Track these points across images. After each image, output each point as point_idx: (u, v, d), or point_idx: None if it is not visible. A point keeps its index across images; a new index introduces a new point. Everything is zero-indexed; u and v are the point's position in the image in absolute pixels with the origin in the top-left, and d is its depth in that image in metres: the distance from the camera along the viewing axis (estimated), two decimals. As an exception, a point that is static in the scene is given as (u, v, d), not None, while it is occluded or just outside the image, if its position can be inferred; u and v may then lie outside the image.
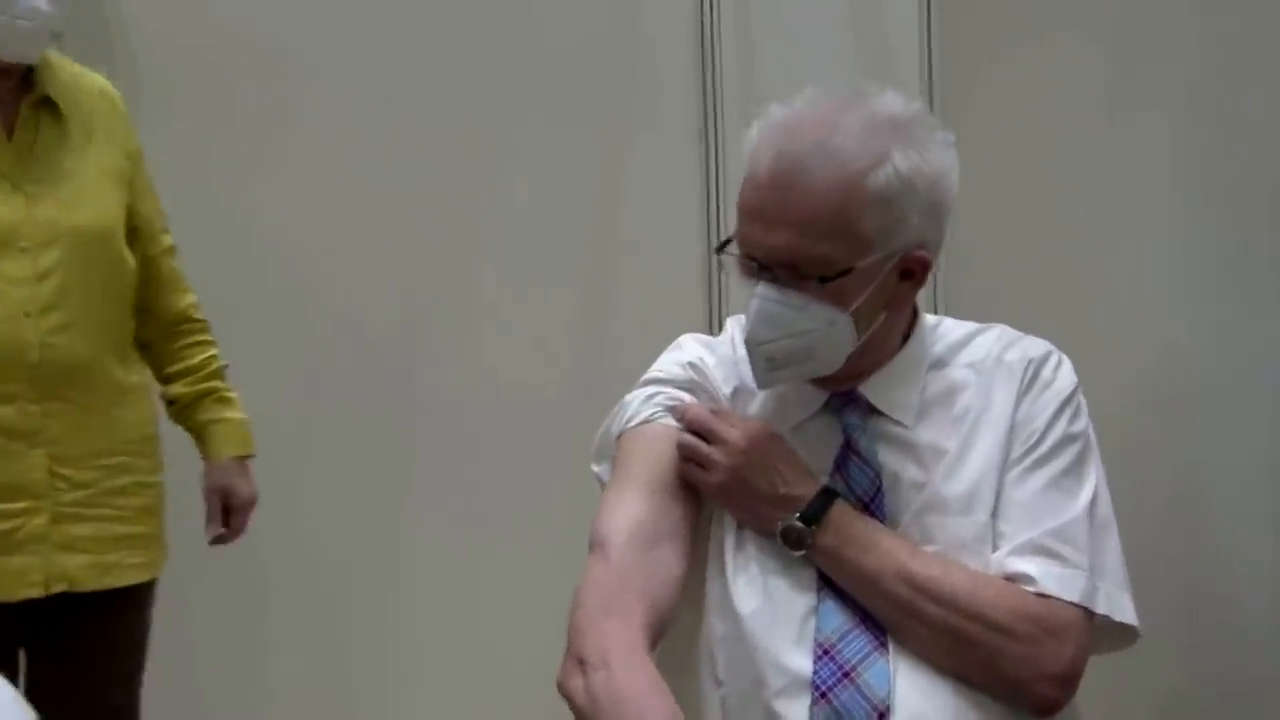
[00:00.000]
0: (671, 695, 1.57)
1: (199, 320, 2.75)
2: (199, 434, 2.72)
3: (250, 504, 2.72)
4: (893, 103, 1.73)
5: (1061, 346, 1.85)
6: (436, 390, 3.26)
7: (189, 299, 2.74)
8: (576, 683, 1.59)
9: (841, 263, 1.69)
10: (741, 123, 3.14)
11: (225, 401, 2.74)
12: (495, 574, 3.21)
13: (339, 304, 3.21)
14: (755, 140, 1.74)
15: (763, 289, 1.72)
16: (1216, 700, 2.32)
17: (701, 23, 3.19)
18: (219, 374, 2.75)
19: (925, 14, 2.73)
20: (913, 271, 1.75)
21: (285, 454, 2.94)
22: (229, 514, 2.70)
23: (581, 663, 1.60)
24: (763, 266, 1.72)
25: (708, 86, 3.19)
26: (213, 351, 2.75)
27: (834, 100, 1.73)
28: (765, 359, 1.74)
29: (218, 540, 2.73)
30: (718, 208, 3.19)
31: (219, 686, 3.17)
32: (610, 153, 3.25)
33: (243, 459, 2.73)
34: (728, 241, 1.77)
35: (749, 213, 1.72)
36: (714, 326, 3.14)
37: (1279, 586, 2.20)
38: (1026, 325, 1.89)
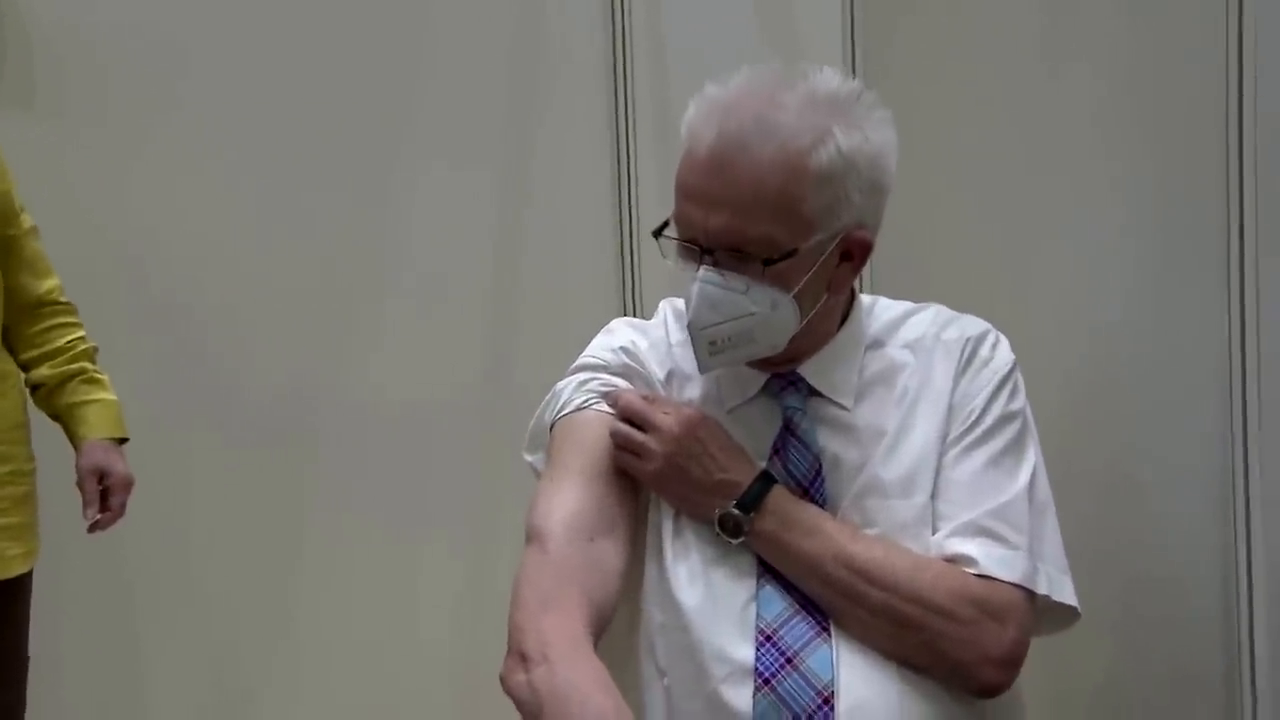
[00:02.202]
0: (615, 688, 1.58)
1: (63, 303, 2.70)
2: (68, 417, 2.67)
3: (128, 484, 2.67)
4: (831, 80, 1.74)
5: (994, 326, 1.88)
6: (335, 391, 3.23)
7: (52, 281, 2.69)
8: (519, 678, 1.59)
9: (785, 244, 1.70)
10: (652, 108, 3.17)
11: (95, 383, 2.70)
12: (392, 578, 3.19)
13: (218, 306, 3.17)
14: (693, 120, 1.73)
15: (704, 272, 1.72)
16: (1156, 686, 2.36)
17: (612, 7, 3.18)
18: (87, 355, 2.71)
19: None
20: (852, 253, 1.76)
21: (160, 461, 2.91)
22: (106, 495, 2.66)
23: (523, 658, 1.60)
24: (704, 250, 1.72)
25: (618, 72, 3.19)
26: (79, 333, 2.71)
27: (772, 79, 1.74)
28: (707, 343, 1.75)
29: (96, 526, 2.68)
30: (629, 197, 3.19)
31: (90, 694, 3.13)
32: (517, 142, 3.25)
33: (117, 441, 2.70)
34: (665, 225, 1.78)
35: (688, 194, 1.73)
36: (628, 300, 3.15)
37: (1218, 571, 2.24)
38: (956, 306, 1.92)
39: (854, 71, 2.69)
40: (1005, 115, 2.49)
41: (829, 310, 1.81)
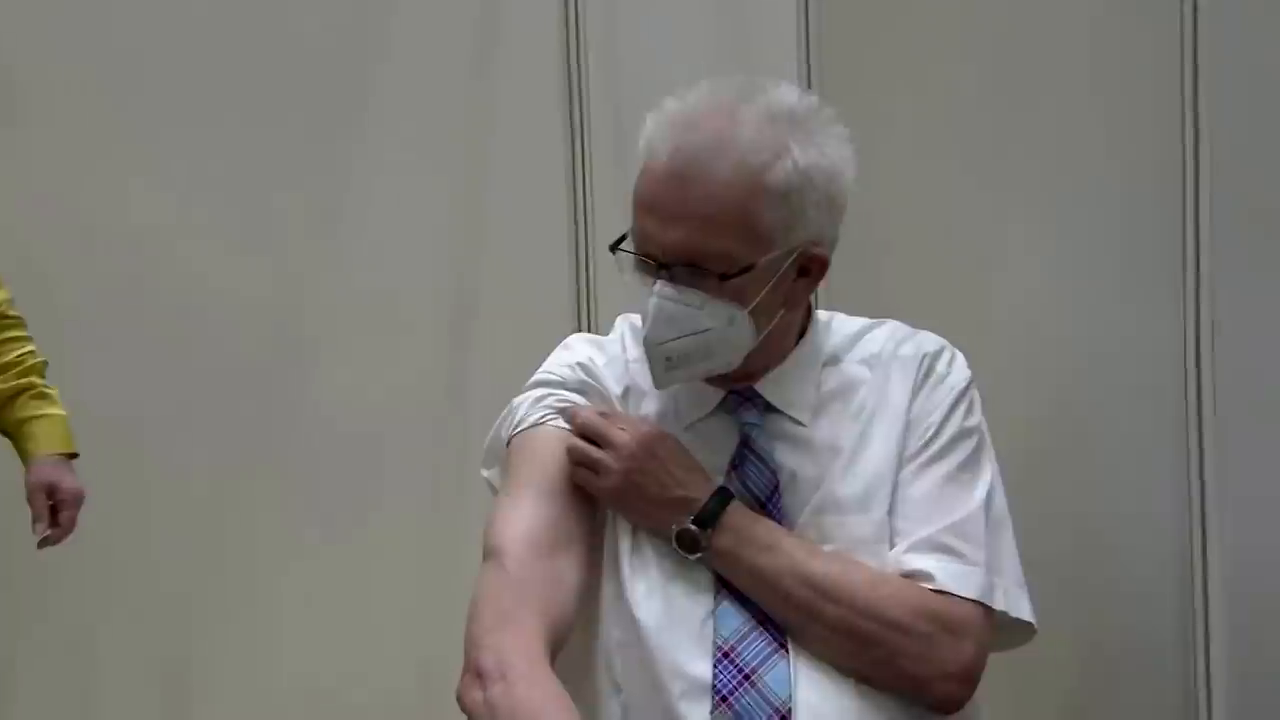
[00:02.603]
0: (573, 706, 1.58)
1: (12, 316, 2.70)
2: (17, 433, 2.66)
3: (78, 499, 2.67)
4: (789, 95, 1.75)
5: (951, 340, 1.89)
6: (288, 403, 3.21)
7: (1, 294, 2.68)
8: (475, 696, 1.59)
9: (742, 259, 1.70)
10: (608, 120, 3.17)
11: (44, 398, 2.69)
12: (347, 592, 3.18)
13: (171, 313, 3.16)
14: (651, 135, 1.74)
15: (660, 287, 1.72)
16: (1118, 697, 2.37)
17: (566, 12, 3.18)
18: (36, 370, 2.70)
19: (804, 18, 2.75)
20: (809, 269, 1.77)
21: (113, 472, 2.90)
22: (55, 511, 2.65)
23: (480, 675, 1.60)
24: (660, 264, 1.73)
25: (573, 85, 3.19)
26: (29, 347, 2.70)
27: (730, 93, 1.74)
28: (663, 359, 1.75)
29: (45, 542, 2.67)
30: (585, 210, 3.19)
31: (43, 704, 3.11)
32: (472, 155, 3.24)
33: (66, 457, 2.68)
34: (622, 239, 1.78)
35: (646, 207, 1.73)
36: (584, 323, 3.15)
37: (1175, 582, 2.26)
38: (913, 321, 1.93)
39: (809, 82, 2.70)
40: (962, 127, 2.50)
41: (786, 326, 1.82)
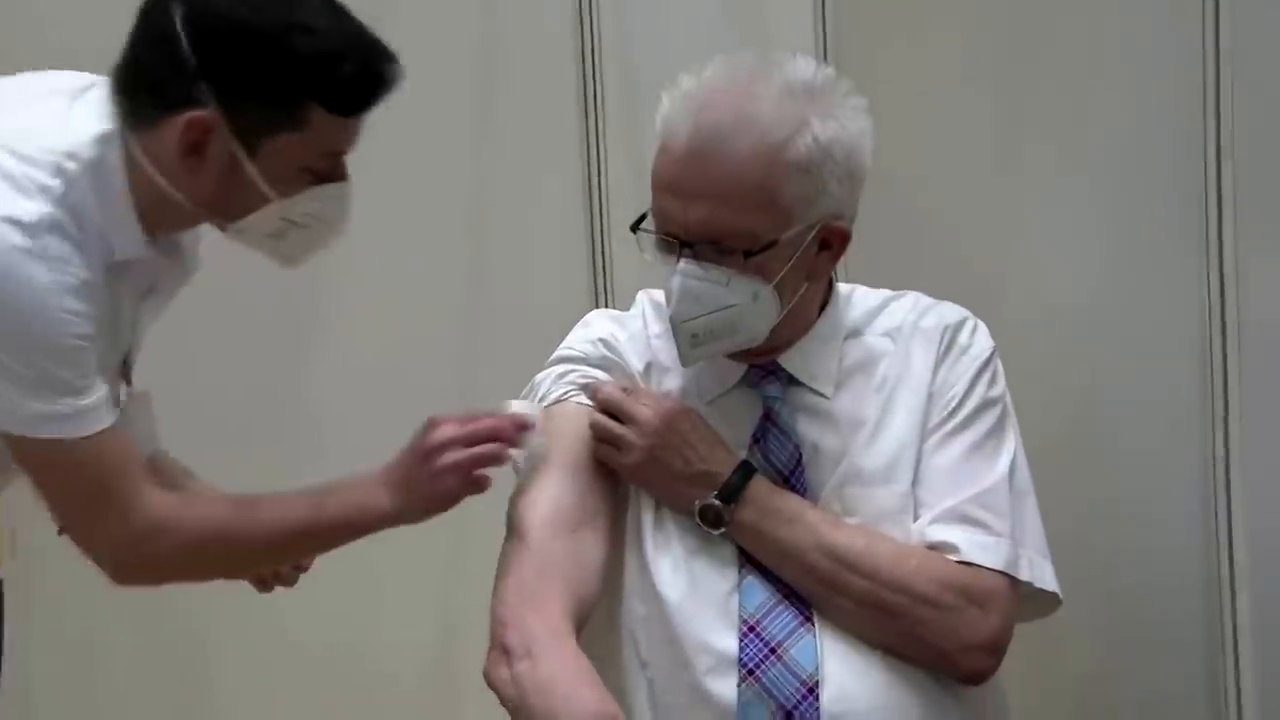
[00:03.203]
0: (599, 681, 1.59)
1: None
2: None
3: None
4: (805, 69, 1.75)
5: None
6: (301, 393, 3.21)
7: None
8: (502, 673, 1.61)
9: (765, 235, 1.71)
10: (621, 104, 3.17)
11: None
12: (363, 583, 3.17)
13: (181, 310, 3.15)
14: (668, 112, 1.74)
15: (684, 265, 1.73)
16: (1141, 684, 2.38)
17: (580, 13, 3.18)
18: None
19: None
20: (831, 242, 1.78)
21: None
22: None
23: (506, 653, 1.62)
24: (683, 243, 1.73)
25: (587, 71, 3.19)
26: None
27: (746, 69, 1.75)
28: (689, 336, 1.76)
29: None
30: (599, 194, 3.18)
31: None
32: (485, 141, 3.23)
33: None
34: (643, 218, 1.79)
35: (666, 187, 1.74)
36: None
37: (1200, 568, 2.26)
38: (931, 293, 1.94)
39: (825, 56, 2.70)
40: (977, 100, 2.49)
41: (808, 299, 1.83)
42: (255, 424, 3.13)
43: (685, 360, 1.81)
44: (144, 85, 1.82)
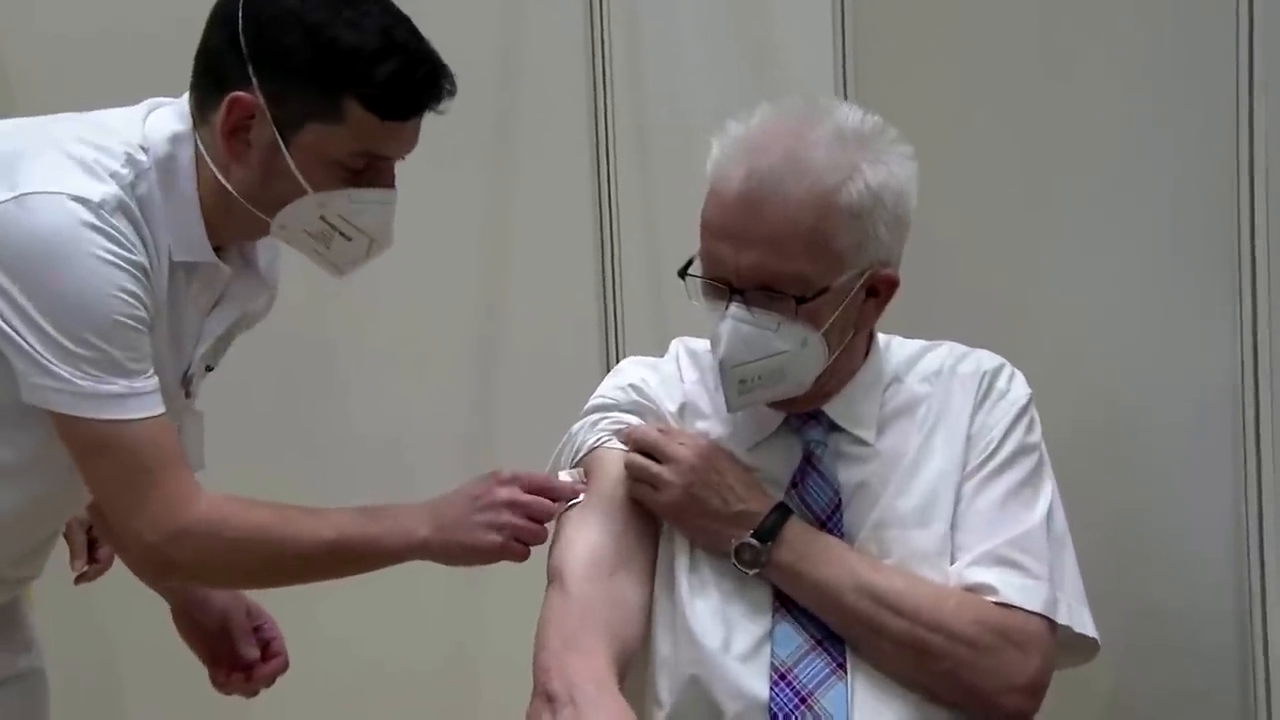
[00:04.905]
0: None
1: None
2: None
3: None
4: (853, 115, 1.79)
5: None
6: (316, 424, 3.22)
7: None
8: None
9: (817, 281, 1.74)
10: (633, 136, 3.20)
11: None
12: (377, 619, 3.19)
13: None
14: (720, 159, 1.77)
15: (734, 309, 1.75)
16: (1166, 700, 2.38)
17: (591, 43, 3.21)
18: None
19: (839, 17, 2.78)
20: (878, 289, 1.81)
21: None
22: (93, 546, 2.64)
23: (550, 699, 1.64)
24: (734, 289, 1.76)
25: (599, 113, 3.22)
26: None
27: (796, 114, 1.79)
28: (737, 382, 1.78)
29: (83, 578, 2.66)
30: (612, 238, 3.21)
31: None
32: (499, 180, 3.25)
33: None
34: (690, 263, 1.81)
35: (718, 233, 1.76)
36: (610, 353, 3.16)
37: (1230, 598, 2.26)
38: (960, 337, 1.98)
39: (844, 92, 2.73)
40: (1006, 137, 2.51)
41: (853, 349, 1.86)
42: (278, 446, 3.15)
43: (731, 406, 1.82)
44: (210, 69, 1.88)
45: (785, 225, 1.72)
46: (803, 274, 1.74)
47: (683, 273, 1.82)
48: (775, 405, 1.86)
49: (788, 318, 1.75)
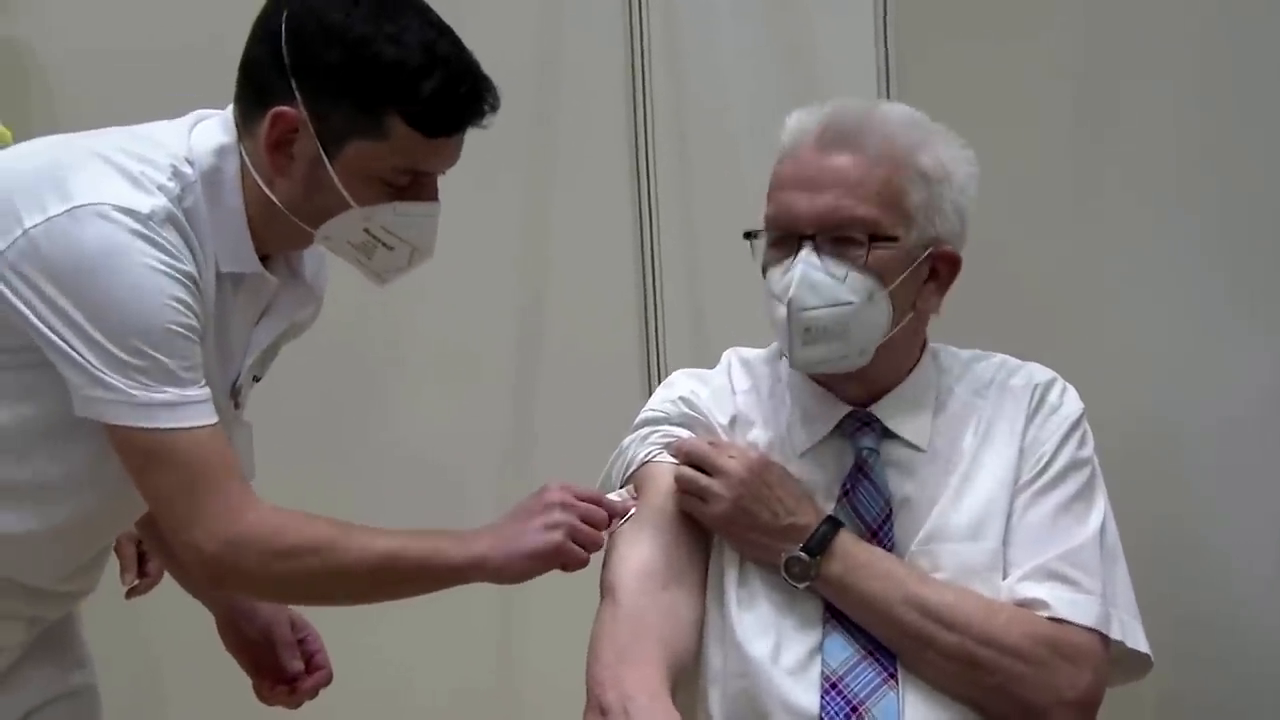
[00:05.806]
0: None
1: None
2: None
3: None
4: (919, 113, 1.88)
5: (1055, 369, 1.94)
6: (357, 445, 3.23)
7: None
8: None
9: (888, 229, 1.80)
10: (674, 153, 3.21)
11: None
12: (419, 638, 3.20)
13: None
14: (794, 125, 1.86)
15: (806, 254, 1.79)
16: (1209, 716, 2.39)
17: (631, 49, 3.22)
18: None
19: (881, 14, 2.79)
20: (939, 270, 1.85)
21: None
22: (143, 560, 2.65)
23: (603, 712, 1.66)
24: (804, 236, 1.80)
25: (638, 119, 3.22)
26: None
27: (869, 102, 1.92)
28: (804, 329, 1.80)
29: (134, 591, 2.68)
30: (651, 237, 3.22)
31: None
32: (538, 187, 3.26)
33: None
34: (754, 233, 1.87)
35: (789, 183, 1.82)
36: (651, 360, 3.17)
37: (1277, 609, 2.27)
38: (1013, 348, 1.99)
39: (887, 93, 2.75)
40: (1054, 146, 2.52)
41: (908, 339, 1.88)
42: (314, 458, 3.16)
43: (794, 359, 1.83)
44: (252, 82, 1.88)
45: (861, 171, 1.79)
46: (876, 219, 1.79)
47: (750, 235, 1.87)
48: (829, 386, 1.89)
49: (856, 268, 1.79)
